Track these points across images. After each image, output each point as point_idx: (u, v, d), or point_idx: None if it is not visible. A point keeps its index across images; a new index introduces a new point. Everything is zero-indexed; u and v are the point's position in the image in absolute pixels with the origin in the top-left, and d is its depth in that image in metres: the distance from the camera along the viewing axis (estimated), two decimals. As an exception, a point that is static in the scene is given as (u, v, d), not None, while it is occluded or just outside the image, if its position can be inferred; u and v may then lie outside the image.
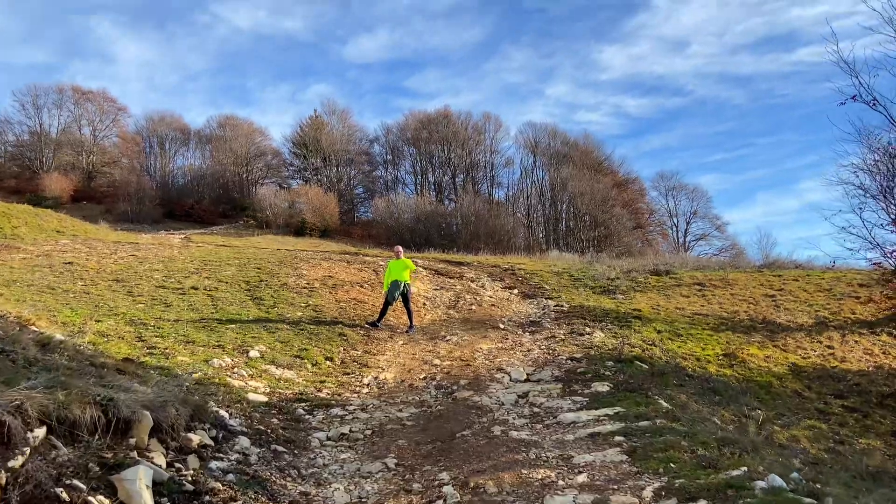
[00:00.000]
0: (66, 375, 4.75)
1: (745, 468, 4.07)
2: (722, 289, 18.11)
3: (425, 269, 20.19)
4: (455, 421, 6.22)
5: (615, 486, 4.11)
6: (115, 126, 61.22)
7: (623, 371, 8.06)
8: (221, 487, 3.88)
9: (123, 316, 10.71)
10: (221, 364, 8.24)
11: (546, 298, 15.78)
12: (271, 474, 4.51)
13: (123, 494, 3.32)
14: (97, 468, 3.57)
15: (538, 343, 10.56)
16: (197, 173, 59.34)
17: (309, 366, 9.12)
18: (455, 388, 7.76)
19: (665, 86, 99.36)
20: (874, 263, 16.21)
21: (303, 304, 13.25)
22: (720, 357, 11.17)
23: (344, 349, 10.25)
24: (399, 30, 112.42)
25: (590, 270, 20.50)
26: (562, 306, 14.55)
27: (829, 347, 12.97)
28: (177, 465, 4.00)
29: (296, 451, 5.35)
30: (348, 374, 8.95)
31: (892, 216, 15.98)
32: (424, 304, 14.80)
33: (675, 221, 62.64)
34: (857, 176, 16.91)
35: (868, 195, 16.57)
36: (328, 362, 9.45)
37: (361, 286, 15.87)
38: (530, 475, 4.44)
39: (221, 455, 4.53)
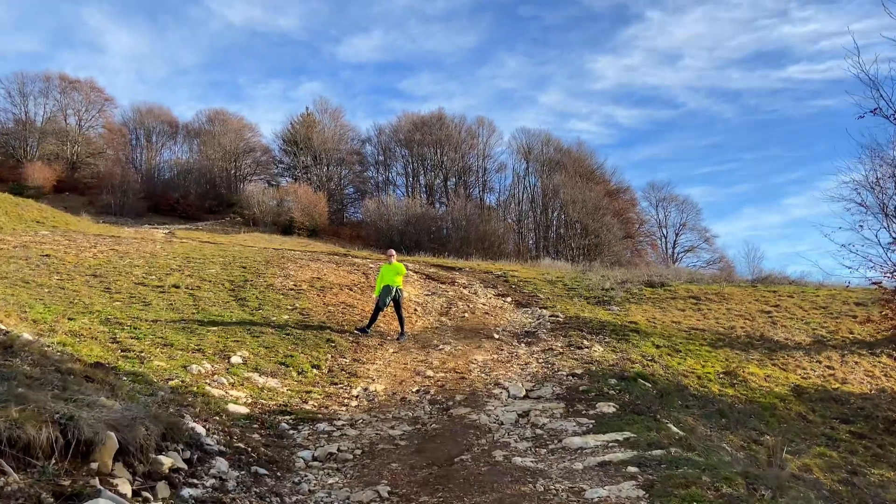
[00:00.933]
0: (26, 385, 4.26)
1: (782, 513, 3.67)
2: (717, 303, 17.81)
3: (416, 273, 19.73)
4: (452, 442, 5.76)
5: (637, 530, 3.69)
6: (101, 116, 60.20)
7: (627, 390, 7.64)
8: (194, 521, 3.40)
9: (98, 314, 10.16)
10: (200, 370, 7.73)
11: (541, 308, 15.37)
12: (251, 503, 4.03)
13: (78, 533, 2.85)
14: (51, 499, 3.09)
15: (535, 356, 10.13)
16: (184, 167, 58.39)
17: (294, 374, 8.62)
18: (450, 403, 7.31)
19: (656, 97, 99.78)
20: (873, 282, 15.98)
21: (289, 307, 12.75)
22: (721, 375, 10.81)
23: (332, 356, 9.76)
24: (394, 31, 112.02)
25: (584, 280, 20.15)
26: (557, 317, 14.14)
27: (829, 368, 12.66)
28: (144, 493, 3.52)
29: (279, 474, 4.87)
30: (336, 384, 8.47)
31: (893, 235, 15.76)
32: (416, 310, 14.34)
33: (665, 232, 62.77)
34: (859, 193, 16.72)
35: (869, 213, 16.38)
36: (315, 370, 8.96)
37: (351, 289, 15.38)
38: (540, 512, 4.01)
39: (195, 480, 4.04)
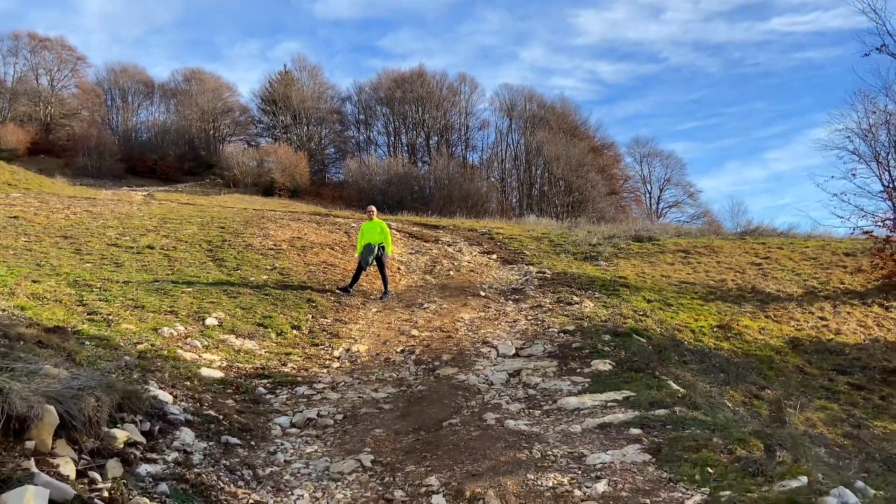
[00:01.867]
0: (-40, 353, 3.78)
1: (805, 478, 3.32)
2: (707, 256, 17.55)
3: (399, 231, 19.24)
4: (440, 405, 5.38)
5: (646, 501, 3.33)
6: (73, 76, 58.15)
7: (623, 346, 7.30)
8: None
9: (67, 276, 9.61)
10: (173, 333, 7.27)
11: (527, 264, 14.99)
12: (218, 478, 3.62)
13: (2, 527, 2.42)
14: (-28, 486, 2.64)
15: (524, 313, 9.76)
16: (161, 128, 56.84)
17: (273, 335, 8.19)
18: (437, 363, 6.92)
19: (640, 52, 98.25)
20: (865, 232, 15.80)
21: (268, 267, 12.25)
22: (715, 329, 10.55)
23: (312, 317, 9.33)
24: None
25: (570, 236, 19.78)
26: (544, 273, 13.78)
27: (821, 319, 12.47)
28: (91, 474, 3.09)
29: (252, 443, 4.47)
30: (317, 345, 8.05)
31: (886, 183, 15.52)
32: (399, 268, 13.91)
33: (649, 188, 62.63)
34: (851, 141, 16.41)
35: (862, 161, 16.10)
36: (295, 331, 8.53)
37: (332, 248, 14.89)
38: (538, 482, 3.64)
39: (155, 455, 3.62)
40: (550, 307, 10.00)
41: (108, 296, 8.58)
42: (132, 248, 12.98)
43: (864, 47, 12.23)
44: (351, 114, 60.48)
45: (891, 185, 15.00)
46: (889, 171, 14.97)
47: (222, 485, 3.56)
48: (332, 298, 10.50)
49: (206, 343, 7.19)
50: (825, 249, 18.31)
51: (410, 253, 15.91)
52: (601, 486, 3.54)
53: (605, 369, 6.25)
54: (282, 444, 4.51)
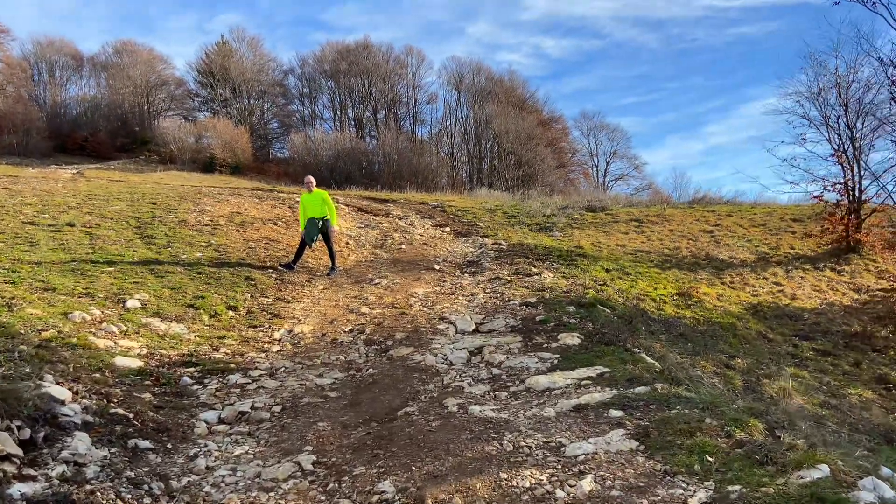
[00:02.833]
0: None
1: (826, 467, 2.84)
2: (659, 225, 17.39)
3: (347, 206, 18.39)
4: (394, 390, 4.74)
5: (643, 501, 2.78)
6: (-3, 50, 54.08)
7: (589, 318, 6.78)
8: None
9: (-32, 258, 8.52)
10: (85, 318, 6.38)
11: (482, 237, 14.43)
12: (118, 496, 2.89)
13: None
14: None
15: (482, 286, 9.17)
16: (91, 104, 53.67)
17: (205, 318, 7.37)
18: (390, 343, 6.26)
19: (584, 28, 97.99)
20: (815, 196, 15.82)
21: (203, 244, 11.30)
22: (675, 297, 10.23)
23: (251, 296, 8.52)
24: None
25: (523, 207, 19.33)
26: (500, 244, 13.24)
27: (776, 284, 12.36)
28: (-68, 505, 2.33)
29: (169, 446, 3.74)
30: (255, 327, 7.28)
31: (836, 147, 15.51)
32: (348, 243, 13.12)
33: (596, 161, 63.03)
34: (802, 105, 16.33)
35: (812, 125, 16.05)
36: (231, 312, 7.72)
37: (275, 223, 13.97)
38: (513, 481, 3.05)
39: (35, 471, 2.87)
40: (509, 279, 9.44)
41: (16, 277, 7.58)
42: (51, 226, 11.81)
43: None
44: (294, 87, 58.48)
45: (840, 149, 14.97)
46: (839, 135, 14.93)
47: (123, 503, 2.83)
48: (274, 276, 9.69)
49: (124, 328, 6.34)
50: (772, 216, 18.42)
51: (360, 227, 15.13)
52: (587, 484, 2.97)
53: (574, 343, 5.72)
54: (205, 446, 3.79)
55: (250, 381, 5.26)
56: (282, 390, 5.00)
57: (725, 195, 24.25)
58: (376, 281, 9.74)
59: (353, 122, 55.91)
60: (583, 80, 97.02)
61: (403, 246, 13.14)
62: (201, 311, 7.54)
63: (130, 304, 7.25)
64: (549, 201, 20.71)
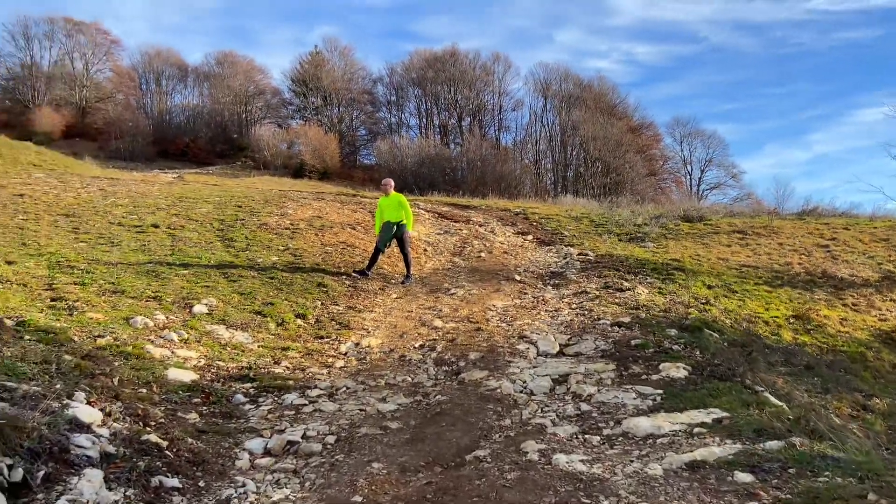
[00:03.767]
0: None
1: None
2: (766, 237, 15.86)
3: (428, 212, 17.95)
4: (464, 424, 4.08)
5: None
6: (108, 60, 58.05)
7: (695, 344, 5.87)
8: None
9: (50, 256, 8.57)
10: (147, 324, 6.10)
11: (567, 246, 13.55)
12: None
13: None
14: None
15: (567, 300, 8.36)
16: (194, 111, 56.38)
17: (272, 326, 6.97)
18: (462, 364, 5.61)
19: (678, 32, 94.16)
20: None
21: (280, 248, 11.07)
22: (791, 320, 9.02)
23: (322, 304, 8.10)
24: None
25: (612, 216, 18.21)
26: (587, 255, 12.32)
27: (907, 308, 10.80)
28: None
29: (201, 483, 3.23)
30: (322, 338, 6.81)
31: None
32: (425, 249, 12.60)
33: (690, 169, 60.10)
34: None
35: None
36: (299, 321, 7.30)
37: (354, 228, 13.65)
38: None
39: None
40: (598, 294, 8.58)
41: (88, 279, 7.47)
42: (136, 226, 11.97)
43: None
44: (382, 95, 59.18)
45: None
46: None
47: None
48: (347, 283, 9.26)
49: (185, 336, 6.00)
50: (895, 230, 16.47)
51: (438, 233, 14.59)
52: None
53: (680, 376, 4.85)
54: (242, 486, 3.25)
55: (307, 402, 4.73)
56: (339, 416, 4.44)
57: (839, 206, 22.18)
58: (452, 291, 9.11)
59: (438, 129, 55.93)
60: (676, 86, 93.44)
61: (483, 254, 12.48)
62: (268, 318, 7.16)
63: (197, 309, 6.96)
64: (641, 210, 19.45)
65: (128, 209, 14.04)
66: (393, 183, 10.65)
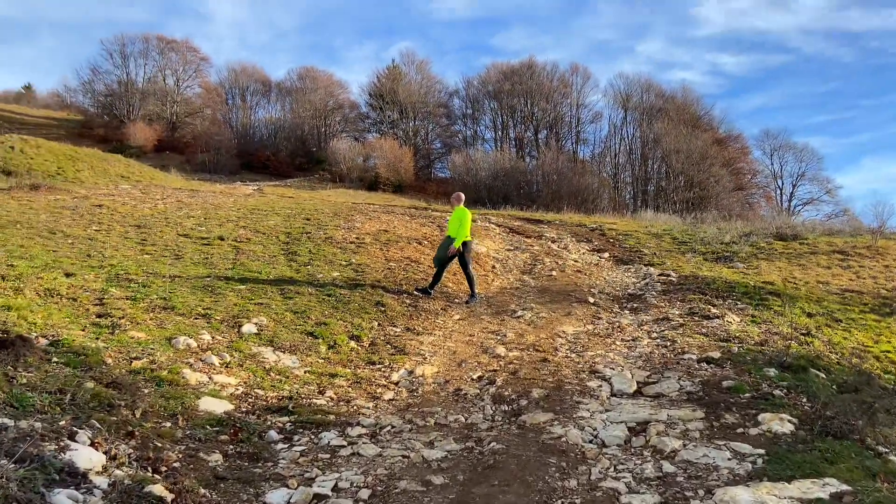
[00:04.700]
0: None
1: None
2: (871, 259, 14.33)
3: (499, 226, 17.34)
4: (520, 484, 3.44)
5: None
6: (197, 76, 60.90)
7: (801, 388, 4.97)
8: None
9: (111, 269, 8.51)
10: (190, 345, 5.77)
11: (646, 265, 12.61)
12: None
13: None
14: None
15: (646, 328, 7.53)
16: (276, 125, 58.22)
17: (323, 348, 6.54)
18: (524, 402, 4.95)
19: (767, 42, 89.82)
20: None
21: (343, 262, 10.73)
22: (909, 357, 7.81)
23: (378, 324, 7.62)
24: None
25: (697, 233, 17.01)
26: (668, 275, 11.37)
27: None
28: None
29: (202, 551, 2.74)
30: (374, 364, 6.31)
31: None
32: (493, 267, 11.98)
33: (780, 184, 56.58)
34: None
35: None
36: (352, 343, 6.85)
37: (420, 243, 13.20)
38: None
39: None
40: (681, 321, 7.70)
41: (141, 293, 7.29)
42: (203, 238, 11.95)
43: None
44: (458, 108, 59.16)
45: None
46: None
47: None
48: (408, 301, 8.76)
49: (227, 359, 5.63)
50: None
51: (508, 249, 13.94)
52: None
53: (785, 431, 4.02)
54: (248, 557, 2.76)
55: (346, 443, 4.20)
56: (378, 463, 3.89)
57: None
58: (519, 314, 8.44)
59: (513, 142, 55.30)
60: (764, 97, 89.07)
61: (554, 272, 11.73)
62: (320, 340, 6.73)
63: (246, 328, 6.62)
64: (728, 227, 18.12)
65: (198, 221, 14.16)
66: (463, 196, 10.03)
